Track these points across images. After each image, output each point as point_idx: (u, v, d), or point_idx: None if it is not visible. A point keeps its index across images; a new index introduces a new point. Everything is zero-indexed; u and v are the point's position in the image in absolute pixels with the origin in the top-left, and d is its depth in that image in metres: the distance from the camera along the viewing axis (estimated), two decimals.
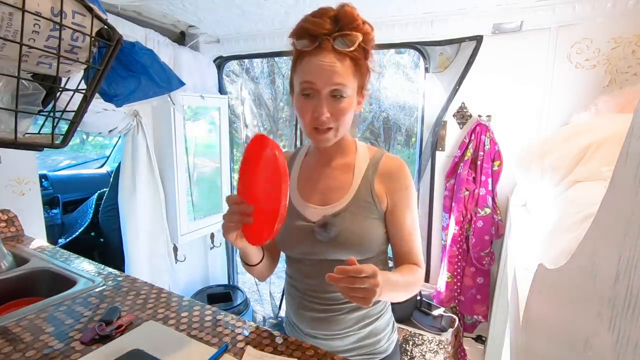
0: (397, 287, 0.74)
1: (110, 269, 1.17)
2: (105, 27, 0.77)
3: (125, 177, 2.01)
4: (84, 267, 1.17)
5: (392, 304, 0.96)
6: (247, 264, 0.86)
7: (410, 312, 1.77)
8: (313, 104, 0.74)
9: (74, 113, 0.82)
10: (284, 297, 0.97)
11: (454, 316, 1.78)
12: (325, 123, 0.74)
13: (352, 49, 0.71)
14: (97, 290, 1.03)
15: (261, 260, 0.86)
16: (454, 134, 1.88)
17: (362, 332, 0.87)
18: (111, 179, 2.45)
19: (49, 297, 0.99)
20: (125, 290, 1.03)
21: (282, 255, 0.95)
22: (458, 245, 1.81)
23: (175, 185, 2.17)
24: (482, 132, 1.73)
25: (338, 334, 0.85)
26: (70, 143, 0.86)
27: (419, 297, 1.80)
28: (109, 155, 3.48)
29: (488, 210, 1.74)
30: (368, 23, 0.74)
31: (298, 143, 2.39)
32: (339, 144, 0.85)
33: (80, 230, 2.44)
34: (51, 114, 0.80)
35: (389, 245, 0.88)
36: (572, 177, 0.94)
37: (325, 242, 0.80)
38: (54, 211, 2.56)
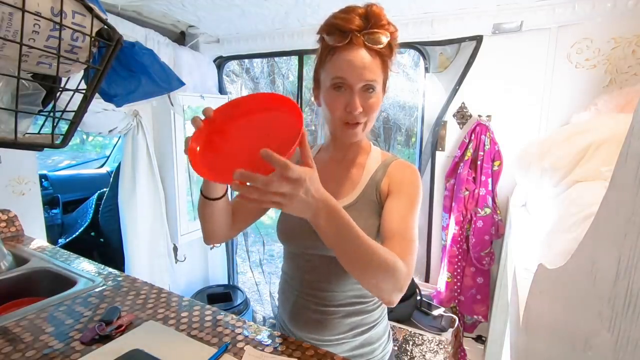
0: (347, 228, 0.61)
1: (110, 269, 1.17)
2: (105, 27, 0.77)
3: (125, 177, 2.01)
4: (84, 267, 1.17)
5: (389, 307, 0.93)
6: (206, 197, 0.75)
7: (410, 312, 1.77)
8: (345, 98, 0.74)
9: (74, 113, 0.82)
10: (279, 298, 0.95)
11: (454, 316, 1.78)
12: (357, 118, 0.75)
13: (382, 46, 0.73)
14: (97, 290, 1.03)
15: (220, 198, 0.76)
16: (454, 134, 1.88)
17: (356, 341, 0.85)
18: (111, 179, 2.45)
19: (49, 297, 0.99)
20: (125, 290, 1.03)
21: (279, 256, 0.94)
22: (458, 245, 1.81)
23: (175, 185, 2.17)
24: (482, 132, 1.73)
25: (331, 340, 0.84)
26: (70, 143, 0.86)
27: (418, 297, 1.80)
28: (109, 155, 3.48)
29: (488, 210, 1.74)
30: (392, 24, 0.76)
31: None
32: (355, 143, 0.85)
33: (80, 230, 2.44)
34: (51, 114, 0.81)
35: None
36: (572, 177, 0.94)
37: None
38: (54, 211, 2.56)
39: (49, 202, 2.57)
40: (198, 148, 0.63)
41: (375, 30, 0.73)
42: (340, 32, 0.73)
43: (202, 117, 0.66)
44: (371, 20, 0.73)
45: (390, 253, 0.66)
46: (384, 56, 0.76)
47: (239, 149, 0.63)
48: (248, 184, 0.51)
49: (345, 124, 0.77)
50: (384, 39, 0.73)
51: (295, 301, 0.87)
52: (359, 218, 0.77)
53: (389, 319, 1.85)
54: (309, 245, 0.83)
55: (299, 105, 0.70)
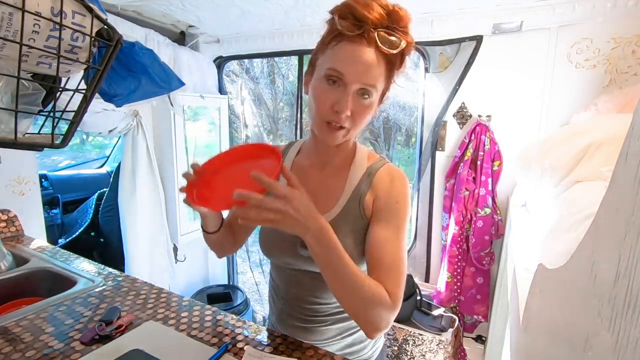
0: (336, 256, 0.62)
1: (110, 269, 1.17)
2: (105, 27, 0.77)
3: (125, 177, 2.01)
4: (84, 267, 1.17)
5: None
6: (204, 231, 0.83)
7: (410, 312, 1.77)
8: (336, 95, 0.66)
9: (74, 113, 0.82)
10: (268, 298, 0.93)
11: (454, 316, 1.78)
12: (342, 120, 0.67)
13: (395, 51, 0.65)
14: (97, 290, 1.03)
15: (217, 231, 0.83)
16: (454, 134, 1.87)
17: (345, 342, 0.84)
18: (111, 179, 2.45)
19: (49, 297, 0.99)
20: (125, 290, 1.03)
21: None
22: (458, 245, 1.81)
23: (175, 185, 2.17)
24: (482, 132, 1.73)
25: (319, 343, 0.83)
26: (70, 143, 0.86)
27: (418, 297, 1.80)
28: (109, 155, 3.48)
29: (488, 210, 1.74)
30: (411, 35, 0.68)
31: None
32: (343, 148, 0.79)
33: (80, 230, 2.44)
34: (51, 114, 0.80)
35: None
36: (572, 177, 0.94)
37: (307, 257, 0.75)
38: (54, 211, 2.56)
39: (49, 202, 2.57)
40: (195, 192, 0.69)
41: (393, 32, 0.64)
42: (354, 20, 0.63)
43: (192, 171, 0.71)
44: (393, 18, 0.64)
45: (378, 288, 0.66)
46: (392, 64, 0.68)
47: (229, 186, 0.69)
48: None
49: (327, 124, 0.69)
50: (399, 44, 0.64)
51: (282, 309, 0.86)
52: (338, 235, 0.72)
53: None
54: (289, 262, 0.80)
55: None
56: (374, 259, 0.70)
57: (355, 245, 0.74)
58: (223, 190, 0.68)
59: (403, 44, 0.65)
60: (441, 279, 1.89)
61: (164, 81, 1.20)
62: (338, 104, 0.66)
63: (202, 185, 0.70)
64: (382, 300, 0.65)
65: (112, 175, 2.49)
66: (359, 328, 0.83)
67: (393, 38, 0.64)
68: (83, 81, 0.86)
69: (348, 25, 0.64)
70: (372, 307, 0.65)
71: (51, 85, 0.80)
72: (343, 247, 0.67)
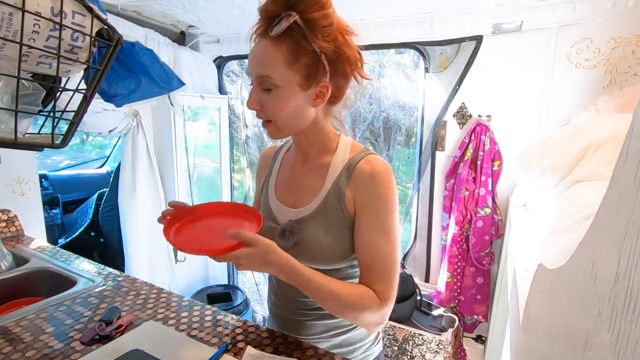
0: (306, 284, 0.68)
1: (110, 269, 1.17)
2: (105, 27, 0.77)
3: (125, 177, 2.01)
4: (84, 267, 1.17)
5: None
6: None
7: (410, 312, 1.77)
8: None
9: (74, 113, 0.82)
10: (267, 295, 0.96)
11: (454, 316, 1.78)
12: (259, 115, 0.71)
13: (278, 32, 0.63)
14: (97, 290, 1.03)
15: None
16: (454, 134, 1.88)
17: (334, 341, 0.83)
18: (111, 179, 2.45)
19: (49, 297, 0.99)
20: (125, 290, 1.03)
21: None
22: (458, 245, 1.81)
23: (175, 185, 2.17)
24: (482, 132, 1.73)
25: (307, 338, 0.83)
26: (70, 143, 0.86)
27: (418, 297, 1.80)
28: (109, 155, 3.48)
29: (488, 210, 1.74)
30: (327, 3, 0.64)
31: None
32: (315, 140, 0.78)
33: (80, 230, 2.44)
34: (51, 114, 0.81)
35: None
36: (572, 177, 0.94)
37: (288, 248, 0.74)
38: (54, 211, 2.56)
39: (49, 202, 2.57)
40: (173, 230, 0.73)
41: (290, 15, 0.62)
42: (262, 19, 0.66)
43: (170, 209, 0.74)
44: (291, 2, 0.62)
45: (366, 292, 0.70)
46: (294, 49, 0.64)
47: (202, 235, 0.74)
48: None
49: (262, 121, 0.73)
50: (284, 23, 0.62)
51: (274, 302, 0.88)
52: (318, 230, 0.74)
53: (389, 319, 1.85)
54: None
55: None
56: (364, 261, 0.73)
57: (335, 240, 0.74)
58: (196, 237, 0.73)
59: (290, 19, 0.61)
60: (441, 279, 1.89)
61: (164, 81, 1.20)
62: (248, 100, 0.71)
63: (182, 225, 0.74)
64: (368, 304, 0.69)
65: (112, 175, 2.49)
66: (346, 329, 0.84)
67: (281, 20, 0.63)
68: (83, 81, 0.86)
69: (259, 26, 0.68)
70: (358, 313, 0.70)
71: (51, 85, 0.80)
72: (323, 239, 0.73)
